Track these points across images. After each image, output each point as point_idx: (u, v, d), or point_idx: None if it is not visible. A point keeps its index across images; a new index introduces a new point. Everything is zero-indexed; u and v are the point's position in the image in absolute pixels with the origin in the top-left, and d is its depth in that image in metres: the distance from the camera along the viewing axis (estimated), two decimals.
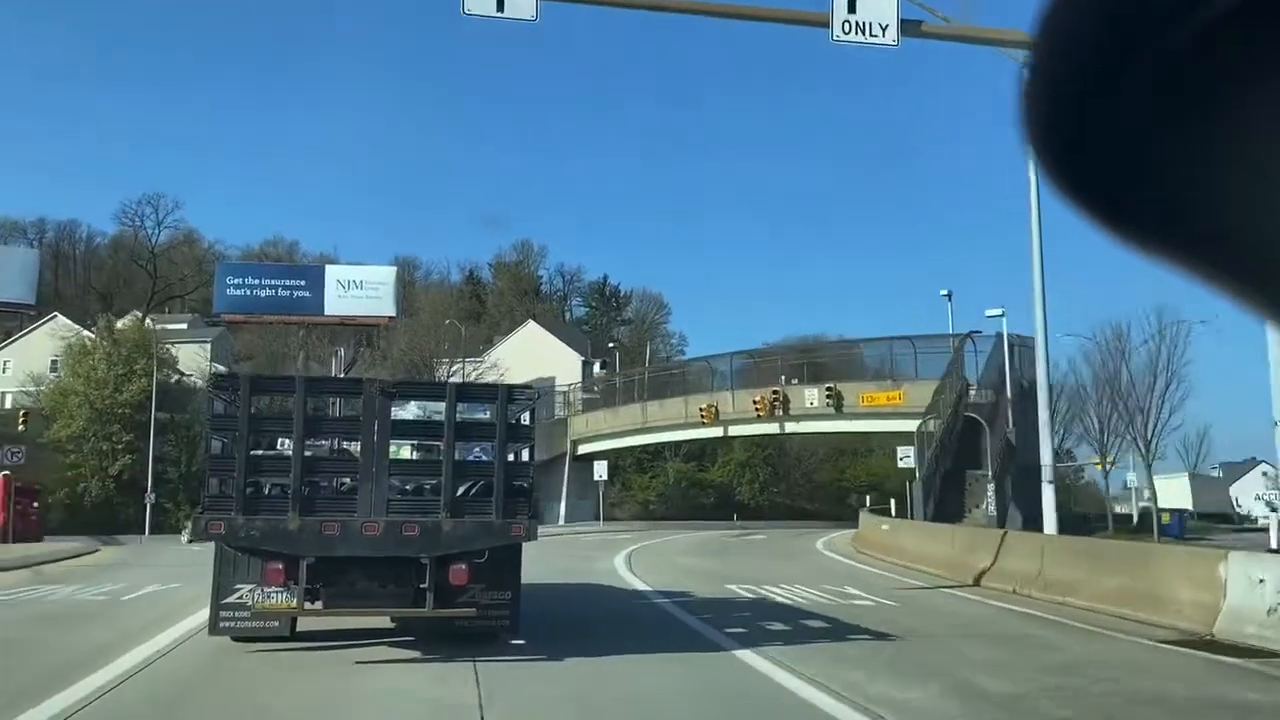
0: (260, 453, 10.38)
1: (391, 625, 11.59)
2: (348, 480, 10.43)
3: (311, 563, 9.78)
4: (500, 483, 10.31)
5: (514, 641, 10.88)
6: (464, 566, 10.01)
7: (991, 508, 33.48)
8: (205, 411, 15.95)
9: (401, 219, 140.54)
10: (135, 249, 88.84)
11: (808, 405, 51.17)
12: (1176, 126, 0.70)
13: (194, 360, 70.59)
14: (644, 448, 66.07)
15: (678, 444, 71.21)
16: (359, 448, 10.43)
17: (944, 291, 48.95)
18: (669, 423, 57.14)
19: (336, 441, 11.42)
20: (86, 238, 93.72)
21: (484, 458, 10.87)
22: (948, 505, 35.82)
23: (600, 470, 50.81)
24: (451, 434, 10.33)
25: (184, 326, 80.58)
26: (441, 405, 10.66)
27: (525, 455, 11.48)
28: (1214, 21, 0.65)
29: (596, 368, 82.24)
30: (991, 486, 34.14)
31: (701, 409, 54.44)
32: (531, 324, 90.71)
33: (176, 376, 67.84)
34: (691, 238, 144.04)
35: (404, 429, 10.98)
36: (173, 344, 71.62)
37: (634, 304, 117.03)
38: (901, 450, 44.59)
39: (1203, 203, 0.73)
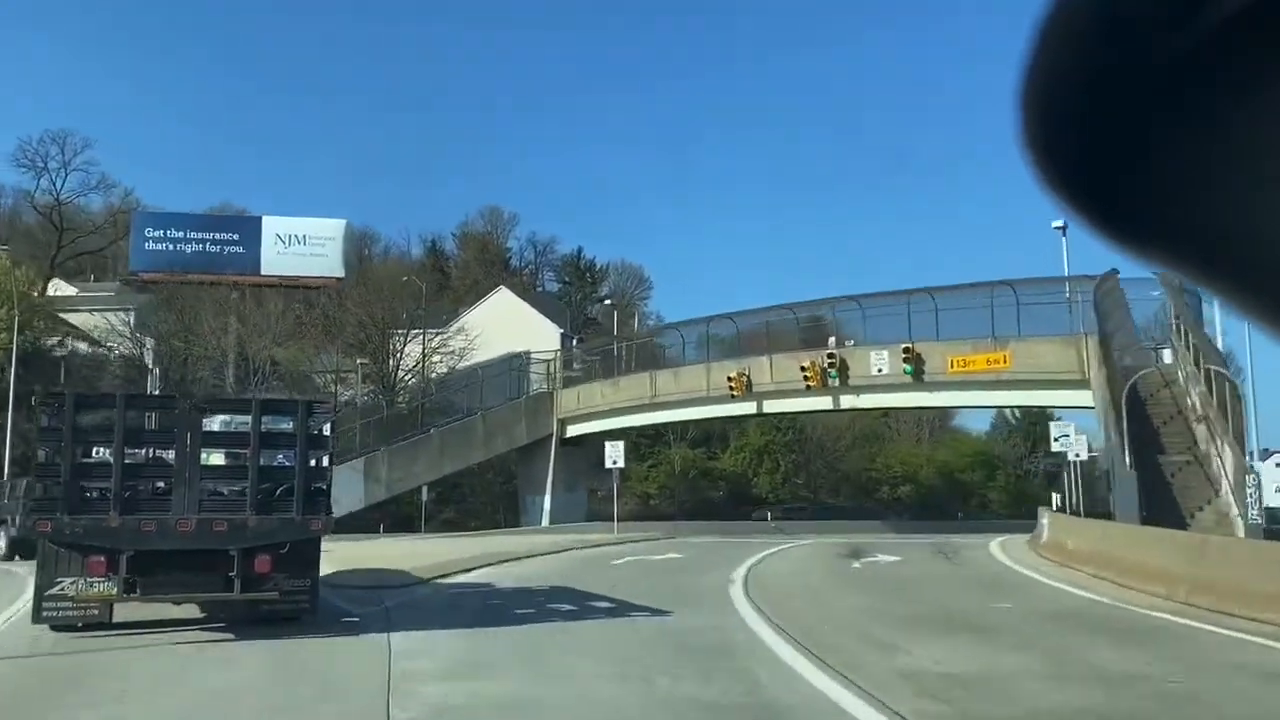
0: (85, 460, 12.09)
1: (202, 615, 13.32)
2: (164, 484, 12.20)
3: (131, 555, 11.44)
4: (300, 484, 12.29)
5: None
6: (268, 557, 11.87)
7: (1250, 509, 21.74)
8: (35, 424, 16.19)
9: (359, 191, 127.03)
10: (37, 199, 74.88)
11: (874, 372, 39.34)
12: (1175, 131, 0.70)
13: (118, 329, 57.53)
14: (647, 429, 54.11)
15: (683, 427, 59.36)
16: (174, 455, 12.30)
17: (1057, 224, 37.25)
18: (685, 396, 45.13)
19: (153, 450, 12.96)
20: None
21: (286, 463, 12.71)
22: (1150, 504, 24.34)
23: (615, 454, 38.30)
24: (257, 442, 12.37)
25: (110, 294, 66.59)
26: (248, 417, 12.61)
27: (325, 461, 13.38)
28: (1216, 28, 0.65)
29: (574, 345, 70.27)
30: (1256, 479, 22.37)
31: (730, 378, 42.43)
32: (504, 290, 78.85)
33: (83, 345, 55.27)
34: (676, 199, 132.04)
35: (214, 439, 13.05)
36: (77, 310, 58.90)
37: (611, 279, 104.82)
38: (1057, 429, 33.32)
39: (1200, 208, 0.73)
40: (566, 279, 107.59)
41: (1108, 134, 0.70)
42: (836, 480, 64.48)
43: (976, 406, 38.71)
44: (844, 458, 64.31)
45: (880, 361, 39.22)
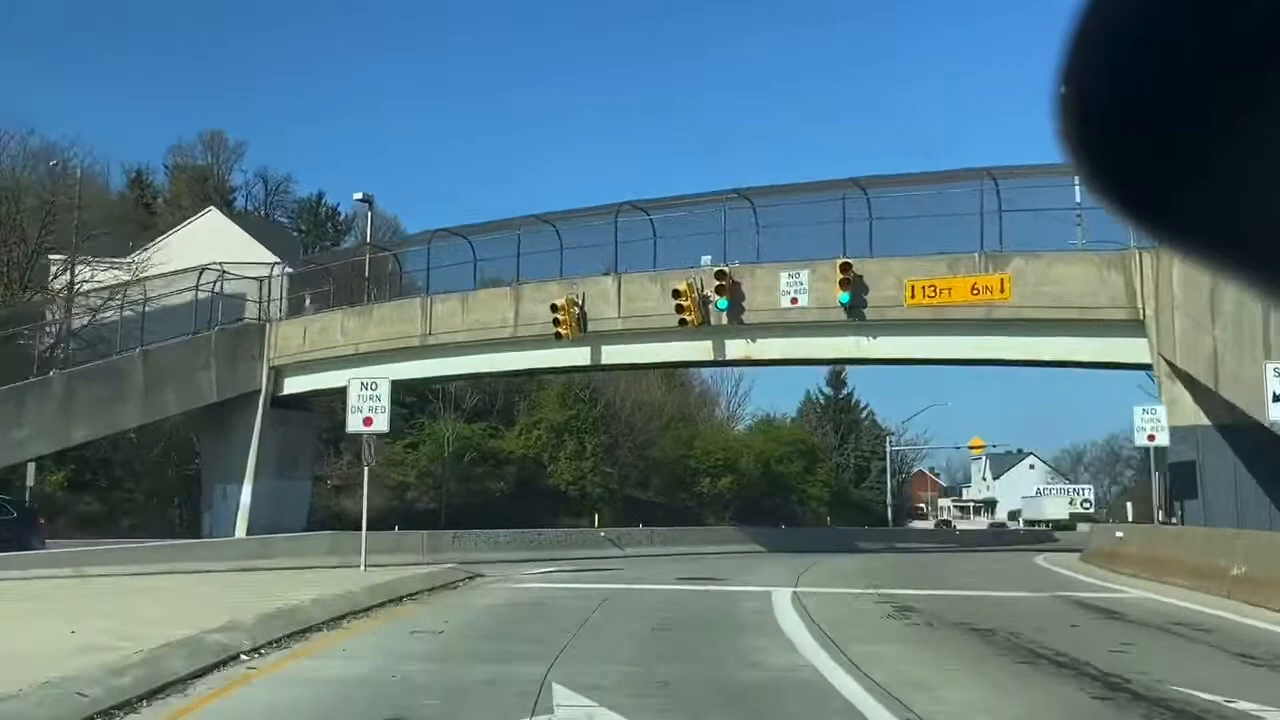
0: None
1: None
2: None
3: None
4: None
5: None
6: None
7: None
8: None
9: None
10: None
11: (785, 304, 25.29)
12: (1221, 127, 0.67)
13: None
14: (414, 388, 37.77)
15: (455, 393, 43.23)
16: None
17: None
18: (478, 336, 29.33)
19: None
20: None
21: None
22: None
23: (370, 402, 20.27)
24: None
25: None
26: None
27: None
28: (1260, 23, 0.63)
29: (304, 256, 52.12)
30: None
31: (556, 308, 27.10)
32: (214, 213, 60.12)
33: None
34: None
35: None
36: None
37: (357, 233, 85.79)
38: (1145, 415, 20.68)
39: (1247, 206, 0.70)
40: (303, 227, 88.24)
41: (1151, 130, 0.67)
42: (647, 469, 50.56)
43: (949, 361, 25.19)
44: (656, 441, 50.45)
45: (795, 287, 25.18)
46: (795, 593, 13.65)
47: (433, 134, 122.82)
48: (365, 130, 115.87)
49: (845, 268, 24.18)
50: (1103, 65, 0.68)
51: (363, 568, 15.07)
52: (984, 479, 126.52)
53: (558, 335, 27.29)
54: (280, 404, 32.66)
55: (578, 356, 28.46)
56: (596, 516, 33.58)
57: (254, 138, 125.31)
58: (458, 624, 10.38)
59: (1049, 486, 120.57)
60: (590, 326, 27.57)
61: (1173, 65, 0.65)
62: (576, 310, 27.42)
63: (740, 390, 69.16)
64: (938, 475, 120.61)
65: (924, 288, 23.73)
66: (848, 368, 78.42)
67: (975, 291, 23.24)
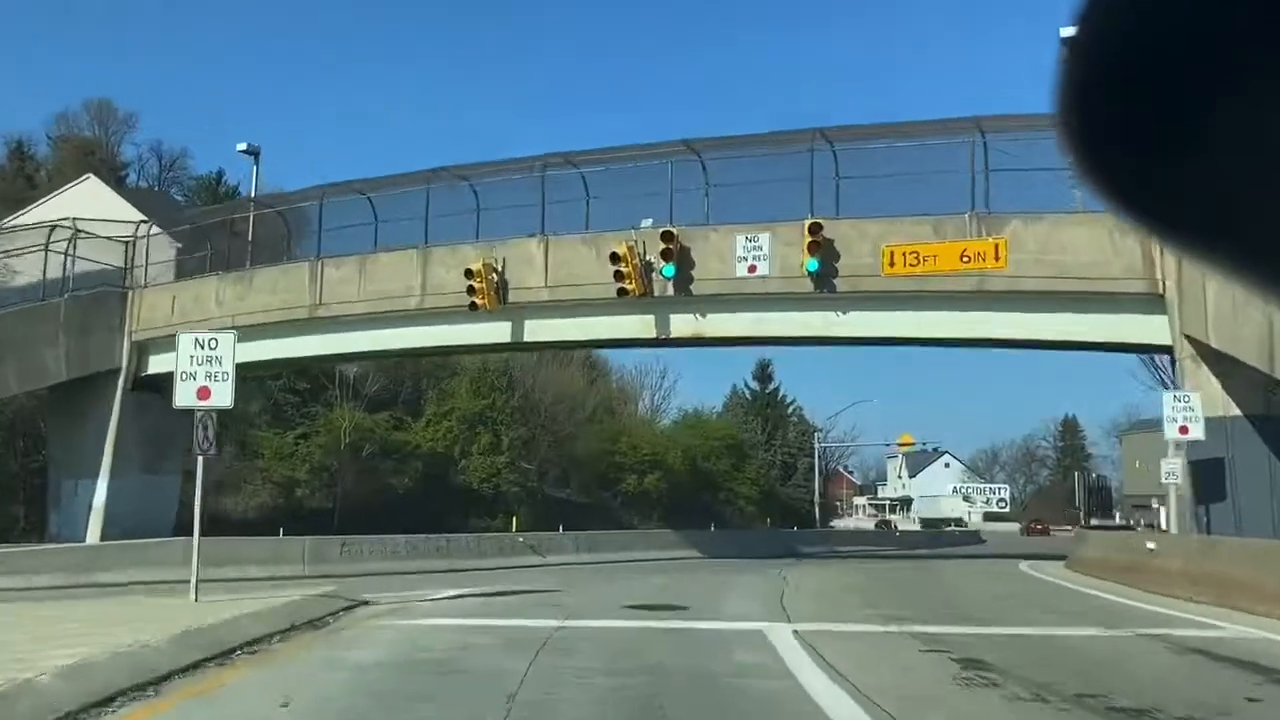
0: None
1: None
2: None
3: None
4: None
5: None
6: None
7: None
8: None
9: None
10: None
11: (741, 272, 21.62)
12: (1221, 120, 0.66)
13: None
14: (307, 368, 33.23)
15: (361, 380, 38.78)
16: None
17: (1066, 32, 21.40)
18: (380, 307, 25.04)
19: None
20: None
21: None
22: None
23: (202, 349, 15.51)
24: None
25: None
26: None
27: None
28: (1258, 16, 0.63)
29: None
30: None
31: (471, 274, 23.01)
32: (92, 180, 54.25)
33: None
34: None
35: None
36: None
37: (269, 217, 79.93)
38: (1175, 402, 17.61)
39: (1246, 202, 0.68)
40: (200, 202, 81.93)
41: (1158, 130, 0.66)
42: (567, 465, 46.51)
43: (932, 341, 21.81)
44: (578, 436, 46.43)
45: (754, 253, 21.54)
46: (798, 632, 9.92)
47: (358, 108, 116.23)
48: (273, 104, 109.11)
49: (815, 229, 20.62)
50: (1103, 57, 0.67)
51: (193, 597, 10.84)
52: (900, 477, 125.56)
53: (473, 306, 23.19)
54: (144, 385, 27.84)
55: (496, 332, 24.36)
56: (515, 519, 29.55)
57: (149, 110, 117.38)
58: (304, 710, 6.34)
59: (965, 485, 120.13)
60: (511, 297, 23.54)
61: (1172, 57, 0.64)
62: (495, 277, 23.36)
63: (666, 383, 65.69)
64: (851, 473, 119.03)
65: (905, 254, 20.31)
66: (774, 361, 75.96)
67: (965, 259, 19.89)
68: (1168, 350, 19.09)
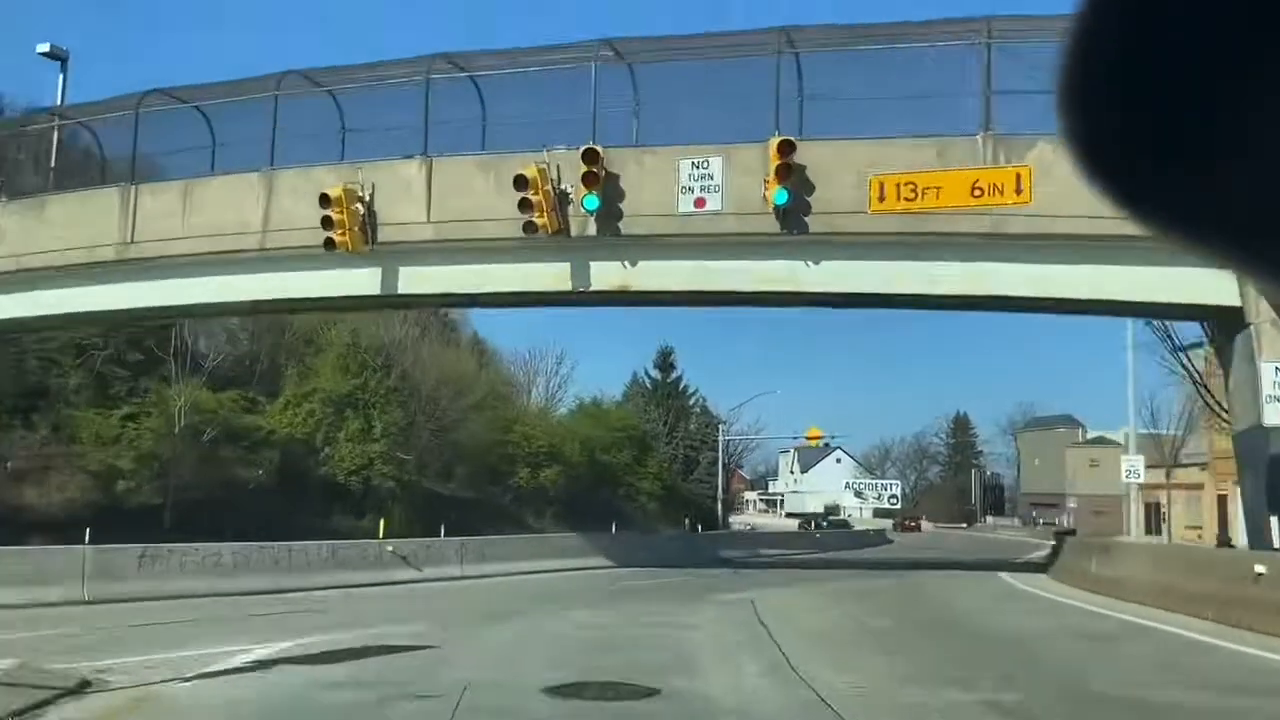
0: None
1: None
2: None
3: None
4: None
5: None
6: None
7: None
8: None
9: None
10: None
11: (686, 208, 16.65)
12: (1223, 117, 0.65)
13: None
14: (129, 327, 26.94)
15: (206, 352, 32.54)
16: None
17: None
18: (208, 247, 19.14)
19: None
20: None
21: None
22: None
23: None
24: None
25: None
26: None
27: None
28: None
29: None
30: None
31: (329, 201, 17.44)
32: None
33: None
34: None
35: None
36: None
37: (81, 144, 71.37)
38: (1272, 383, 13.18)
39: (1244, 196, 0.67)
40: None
41: (1157, 118, 0.66)
42: (451, 457, 40.79)
43: (928, 300, 17.06)
44: (465, 423, 40.76)
45: (702, 182, 16.58)
46: None
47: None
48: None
49: (786, 148, 15.75)
50: (1103, 57, 0.65)
51: None
52: (792, 473, 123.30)
53: (329, 245, 17.63)
54: None
55: (361, 282, 18.75)
56: (383, 523, 24.07)
57: None
58: None
59: (857, 481, 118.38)
60: (382, 235, 18.06)
61: (1173, 56, 0.63)
62: (361, 209, 17.85)
63: (563, 369, 60.26)
64: (741, 468, 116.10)
65: (900, 186, 15.64)
66: (675, 348, 71.55)
67: (976, 192, 15.34)
68: (1234, 313, 14.92)
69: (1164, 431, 55.12)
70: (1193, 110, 0.64)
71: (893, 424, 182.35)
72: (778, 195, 15.73)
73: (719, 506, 63.32)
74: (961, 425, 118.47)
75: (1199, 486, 52.32)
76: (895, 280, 16.40)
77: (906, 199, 15.58)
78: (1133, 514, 33.42)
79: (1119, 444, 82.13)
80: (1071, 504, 67.82)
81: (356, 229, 17.68)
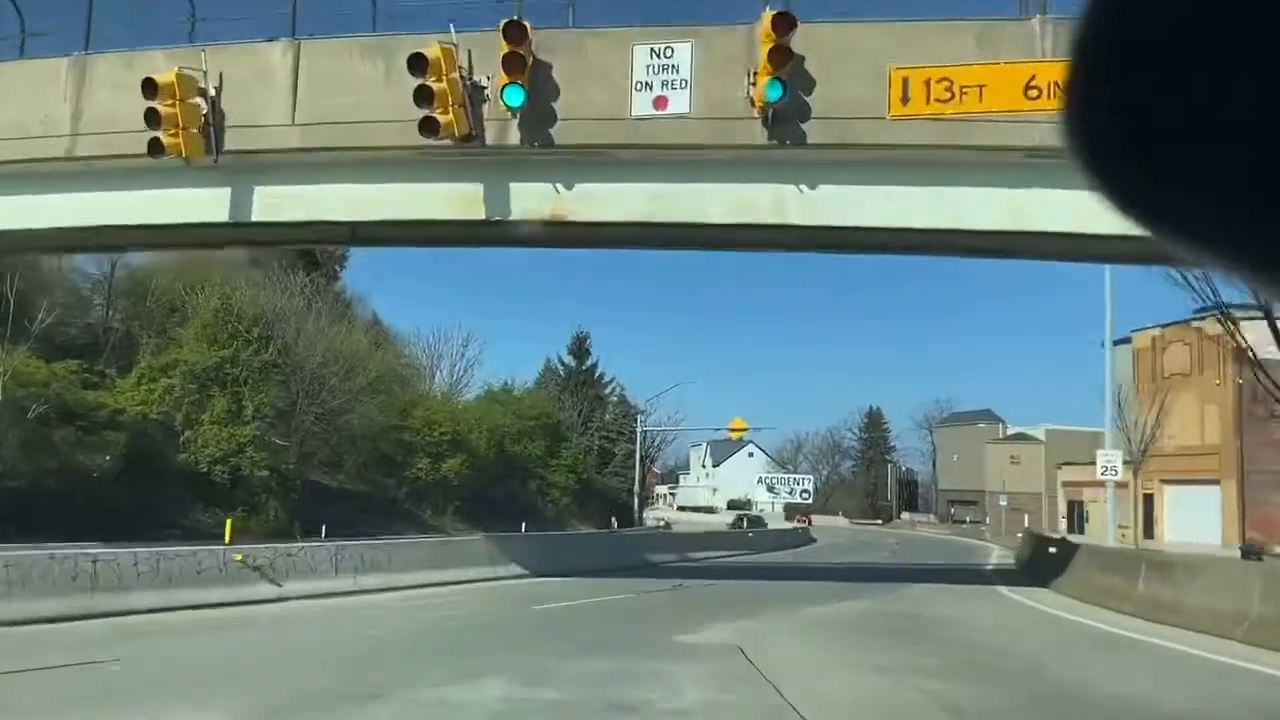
0: None
1: None
2: None
3: None
4: None
5: None
6: None
7: None
8: None
9: None
10: None
11: (639, 108, 12.46)
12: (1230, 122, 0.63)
13: None
14: None
15: (35, 311, 27.26)
16: None
17: None
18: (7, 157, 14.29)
19: None
20: None
21: None
22: None
23: None
24: None
25: None
26: None
27: None
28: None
29: None
30: None
31: (157, 90, 12.78)
32: None
33: None
34: None
35: None
36: None
37: None
38: None
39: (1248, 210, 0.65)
40: None
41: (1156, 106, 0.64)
42: (340, 443, 35.84)
43: (954, 243, 13.10)
44: (356, 406, 35.84)
45: (664, 74, 12.42)
46: None
47: None
48: None
49: (782, 24, 11.66)
50: (1108, 64, 0.65)
51: None
52: (704, 466, 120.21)
53: (157, 147, 12.92)
54: None
55: (204, 205, 14.02)
56: (229, 522, 19.33)
57: None
58: None
59: (770, 476, 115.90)
60: (232, 141, 13.43)
61: (1175, 60, 0.62)
62: (202, 104, 13.20)
63: (470, 353, 55.28)
64: (653, 461, 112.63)
65: (930, 83, 11.71)
66: (591, 332, 67.39)
67: (1032, 93, 11.50)
68: None
69: (1083, 428, 53.38)
70: (1193, 115, 0.62)
71: (806, 418, 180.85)
72: (770, 89, 11.65)
73: (635, 501, 59.43)
74: (875, 420, 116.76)
75: (1124, 485, 50.56)
76: (912, 212, 12.44)
77: (939, 100, 11.68)
78: (1110, 513, 30.42)
79: (1040, 440, 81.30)
80: (1002, 501, 65.62)
81: (195, 129, 13.02)
